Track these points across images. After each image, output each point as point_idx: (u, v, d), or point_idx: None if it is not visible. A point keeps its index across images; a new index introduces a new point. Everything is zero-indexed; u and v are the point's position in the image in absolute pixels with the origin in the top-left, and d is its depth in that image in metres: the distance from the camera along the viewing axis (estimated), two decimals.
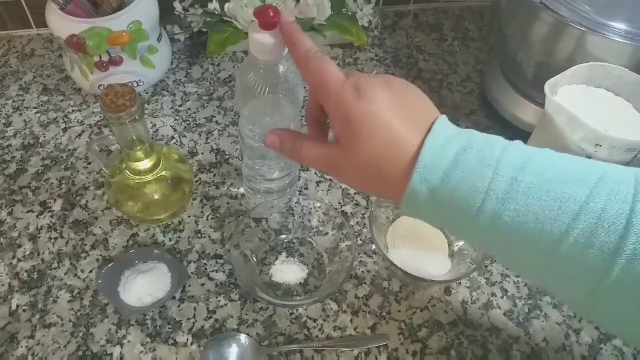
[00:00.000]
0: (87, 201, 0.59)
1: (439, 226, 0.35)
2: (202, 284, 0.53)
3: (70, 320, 0.51)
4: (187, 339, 0.50)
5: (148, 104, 0.70)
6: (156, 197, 0.54)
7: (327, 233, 0.55)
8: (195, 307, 0.52)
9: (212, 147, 0.65)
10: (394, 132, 0.32)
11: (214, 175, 0.62)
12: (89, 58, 0.63)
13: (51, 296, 0.52)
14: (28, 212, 0.58)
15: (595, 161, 0.32)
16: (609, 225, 0.28)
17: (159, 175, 0.54)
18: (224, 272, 0.54)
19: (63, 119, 0.68)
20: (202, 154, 0.65)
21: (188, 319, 0.51)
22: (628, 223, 0.28)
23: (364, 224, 0.59)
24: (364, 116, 0.33)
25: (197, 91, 0.72)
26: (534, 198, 0.30)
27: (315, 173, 0.63)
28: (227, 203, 0.60)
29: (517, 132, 0.65)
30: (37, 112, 0.68)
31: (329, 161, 0.36)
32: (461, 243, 0.55)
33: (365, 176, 0.34)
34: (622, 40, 0.50)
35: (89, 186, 0.61)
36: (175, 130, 0.67)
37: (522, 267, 0.34)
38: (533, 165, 0.30)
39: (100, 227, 0.57)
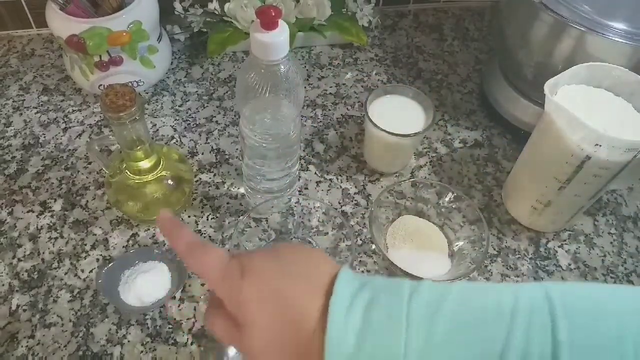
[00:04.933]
0: (87, 201, 0.59)
1: None
2: (203, 284, 0.53)
3: (70, 320, 0.51)
4: (187, 339, 0.50)
5: (148, 104, 0.70)
6: (156, 197, 0.54)
7: (327, 233, 0.55)
8: (195, 307, 0.52)
9: (212, 147, 0.65)
10: (286, 300, 0.30)
11: (214, 175, 0.62)
12: (89, 58, 0.63)
13: (51, 296, 0.52)
14: (28, 212, 0.58)
15: (504, 287, 0.30)
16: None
17: (159, 175, 0.54)
18: None
19: (63, 119, 0.68)
20: (202, 154, 0.65)
21: (188, 319, 0.51)
22: (554, 356, 0.26)
23: (364, 224, 0.59)
24: (252, 291, 0.30)
25: (197, 91, 0.72)
26: (454, 346, 0.28)
27: (316, 173, 0.63)
28: (227, 203, 0.60)
29: (517, 132, 0.66)
30: (38, 112, 0.68)
31: (233, 340, 0.33)
32: (461, 243, 0.55)
33: (271, 354, 0.31)
34: (622, 40, 0.50)
35: (89, 186, 0.61)
36: (175, 130, 0.67)
37: None
38: (443, 312, 0.28)
39: (100, 227, 0.57)
